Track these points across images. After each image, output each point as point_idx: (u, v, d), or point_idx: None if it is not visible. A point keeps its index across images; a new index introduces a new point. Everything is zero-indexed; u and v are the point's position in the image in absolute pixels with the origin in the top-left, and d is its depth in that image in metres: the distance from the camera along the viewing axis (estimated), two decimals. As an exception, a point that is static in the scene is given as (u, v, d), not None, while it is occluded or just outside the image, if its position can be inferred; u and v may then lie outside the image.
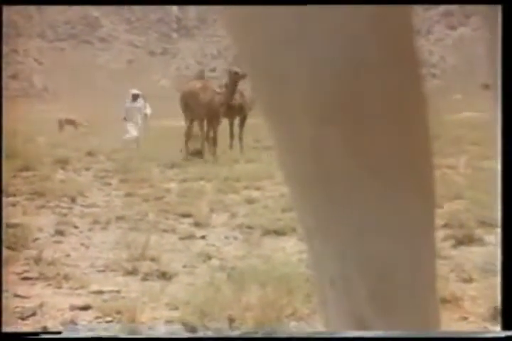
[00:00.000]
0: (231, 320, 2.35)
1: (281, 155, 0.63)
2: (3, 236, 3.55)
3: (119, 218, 4.66)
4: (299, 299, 2.52)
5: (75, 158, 9.82)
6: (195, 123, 9.81)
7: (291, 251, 3.60)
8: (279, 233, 4.03)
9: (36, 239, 3.91)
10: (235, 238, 4.07)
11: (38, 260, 3.29)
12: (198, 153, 9.25)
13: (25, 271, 3.16)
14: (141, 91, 13.46)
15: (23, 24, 60.11)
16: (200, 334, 2.30)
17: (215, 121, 9.43)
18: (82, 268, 3.32)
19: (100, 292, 2.86)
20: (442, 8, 55.23)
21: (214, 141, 9.34)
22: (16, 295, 2.80)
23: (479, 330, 2.23)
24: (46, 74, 56.57)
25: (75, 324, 2.48)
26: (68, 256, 3.56)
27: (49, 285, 2.98)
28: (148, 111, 13.27)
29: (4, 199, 5.30)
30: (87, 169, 8.65)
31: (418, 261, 0.63)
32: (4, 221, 3.90)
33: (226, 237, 4.10)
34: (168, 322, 2.47)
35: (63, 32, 63.99)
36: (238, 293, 2.55)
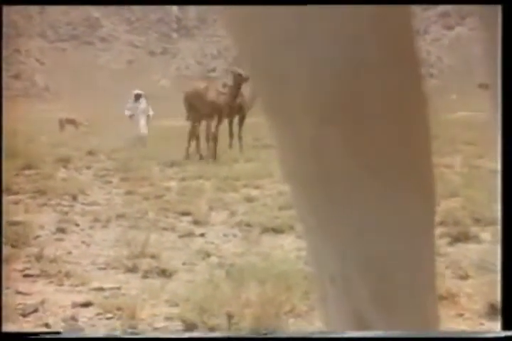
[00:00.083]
0: (230, 317, 2.36)
1: (282, 155, 0.63)
2: (5, 234, 3.57)
3: (120, 216, 4.69)
4: (297, 296, 2.53)
5: (76, 157, 9.85)
6: (197, 123, 9.89)
7: (289, 248, 3.62)
8: (277, 231, 4.06)
9: (38, 236, 3.93)
10: (234, 235, 4.10)
11: (39, 257, 3.31)
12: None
13: (27, 268, 3.18)
14: (141, 91, 13.51)
15: (25, 25, 60.10)
16: (200, 334, 2.32)
17: (218, 121, 9.49)
18: (83, 265, 3.34)
19: (101, 289, 2.87)
20: (439, 8, 55.17)
21: (215, 140, 9.40)
22: (18, 292, 2.81)
23: (479, 330, 2.24)
24: (48, 74, 56.57)
25: (76, 320, 2.50)
26: (69, 253, 3.58)
27: (50, 282, 2.99)
28: (151, 111, 13.32)
29: (7, 198, 5.33)
30: (88, 168, 8.68)
31: (418, 260, 0.63)
32: (7, 219, 3.93)
33: (225, 235, 4.12)
34: (168, 318, 2.49)
35: (65, 33, 63.98)
36: (237, 290, 2.57)
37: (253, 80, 0.61)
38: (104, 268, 3.28)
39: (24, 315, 2.52)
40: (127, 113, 13.23)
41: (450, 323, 2.32)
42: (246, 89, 9.36)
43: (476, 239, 3.63)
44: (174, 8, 66.35)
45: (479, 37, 0.68)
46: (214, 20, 61.43)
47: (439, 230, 3.67)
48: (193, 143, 9.83)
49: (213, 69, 57.32)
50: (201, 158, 9.53)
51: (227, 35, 0.61)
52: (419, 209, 0.62)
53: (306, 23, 0.54)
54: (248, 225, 4.27)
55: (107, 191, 6.35)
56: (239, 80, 9.08)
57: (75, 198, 5.64)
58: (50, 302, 2.67)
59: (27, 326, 2.42)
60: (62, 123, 19.72)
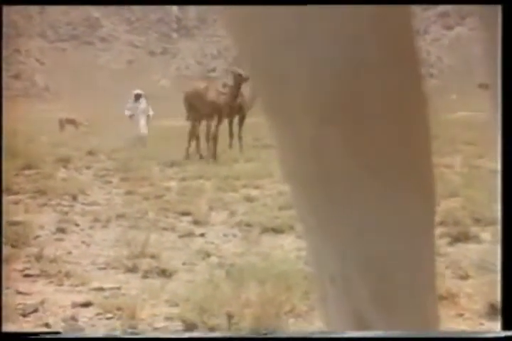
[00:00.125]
0: (230, 317, 2.37)
1: (282, 155, 0.63)
2: (5, 234, 3.58)
3: (120, 216, 4.69)
4: (297, 296, 2.53)
5: (76, 157, 9.85)
6: (197, 123, 9.90)
7: (289, 248, 3.63)
8: (277, 231, 4.07)
9: (38, 236, 3.94)
10: (234, 235, 4.10)
11: (39, 257, 3.31)
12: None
13: (27, 268, 3.18)
14: (141, 91, 13.54)
15: (25, 25, 60.16)
16: (200, 334, 2.32)
17: (218, 121, 9.51)
18: (83, 265, 3.34)
19: (101, 289, 2.88)
20: (439, 8, 55.24)
21: (215, 140, 9.42)
22: (18, 292, 2.81)
23: (479, 330, 2.24)
24: (48, 74, 56.63)
25: (76, 320, 2.50)
26: (69, 253, 3.59)
27: (50, 282, 3.00)
28: (151, 111, 13.34)
29: (7, 198, 5.34)
30: (88, 168, 8.69)
31: (418, 260, 0.63)
32: (7, 218, 3.93)
33: (225, 235, 4.13)
34: (168, 318, 2.50)
35: (65, 33, 64.04)
36: (237, 290, 2.57)
37: (253, 80, 0.61)
38: (104, 268, 3.29)
39: (24, 315, 2.53)
40: (127, 113, 13.25)
41: (450, 323, 2.32)
42: (246, 89, 9.37)
43: (476, 239, 3.63)
44: (174, 8, 66.40)
45: (479, 37, 0.68)
46: (214, 20, 61.47)
47: (439, 230, 3.67)
48: (193, 143, 9.84)
49: (213, 70, 57.37)
50: (201, 157, 9.54)
51: (227, 35, 0.61)
52: (419, 209, 0.62)
53: (306, 23, 0.54)
54: (248, 225, 4.27)
55: (107, 191, 6.36)
56: (239, 80, 9.10)
57: (75, 198, 5.65)
58: (50, 302, 2.67)
59: (27, 326, 2.43)
60: (62, 123, 19.73)
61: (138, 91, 13.41)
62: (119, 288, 2.90)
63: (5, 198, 5.18)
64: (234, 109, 9.50)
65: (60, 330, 2.36)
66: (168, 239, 3.98)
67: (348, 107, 0.56)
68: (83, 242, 3.91)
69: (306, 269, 2.77)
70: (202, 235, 4.12)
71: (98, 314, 2.55)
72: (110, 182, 7.08)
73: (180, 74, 59.62)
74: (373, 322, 0.62)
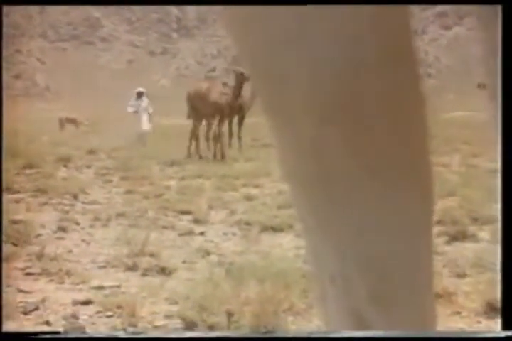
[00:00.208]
0: (229, 315, 2.38)
1: (282, 155, 0.63)
2: (7, 233, 3.59)
3: (120, 215, 4.71)
4: (295, 294, 2.55)
5: (77, 156, 9.87)
6: (199, 123, 9.93)
7: (288, 246, 3.65)
8: (276, 229, 4.09)
9: (39, 235, 3.96)
10: (234, 234, 4.12)
11: (40, 256, 3.33)
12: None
13: (28, 267, 3.20)
14: (143, 89, 13.59)
15: (26, 25, 60.17)
16: (201, 333, 2.32)
17: (220, 121, 9.52)
18: (83, 263, 3.36)
19: (101, 287, 2.89)
20: (437, 8, 55.26)
21: (218, 140, 9.44)
22: (19, 290, 2.83)
23: (479, 330, 2.25)
24: (48, 74, 56.61)
25: (77, 318, 2.51)
26: (70, 252, 3.60)
27: (51, 280, 3.01)
28: (150, 109, 13.38)
29: (8, 196, 5.36)
30: (89, 167, 8.71)
31: (417, 260, 0.63)
32: (8, 217, 3.95)
33: (225, 233, 4.15)
34: (168, 316, 2.51)
35: (65, 33, 64.05)
36: (236, 288, 2.58)
37: (253, 80, 0.61)
38: (105, 267, 3.31)
39: (25, 313, 2.54)
40: (130, 109, 13.29)
41: (447, 321, 2.34)
42: (245, 89, 9.37)
43: (473, 237, 3.66)
44: (174, 9, 66.41)
45: (477, 37, 0.69)
46: (214, 21, 61.47)
47: (436, 229, 3.69)
48: (195, 143, 9.86)
49: (213, 69, 57.36)
50: (200, 157, 9.55)
51: (227, 35, 0.61)
52: (418, 209, 0.62)
53: (306, 23, 0.54)
54: (247, 224, 4.29)
55: (107, 190, 6.38)
56: (241, 79, 9.09)
57: (75, 197, 5.67)
58: (51, 301, 2.69)
59: (28, 324, 2.44)
60: (63, 122, 19.73)
61: (140, 89, 13.50)
62: (119, 286, 2.91)
63: (6, 197, 5.20)
64: (234, 108, 9.51)
65: (61, 328, 2.37)
66: (168, 238, 4.00)
67: (348, 107, 0.56)
68: (84, 241, 3.93)
69: (304, 267, 2.79)
70: (202, 234, 4.14)
71: (98, 312, 2.57)
72: (110, 181, 7.10)
73: (180, 74, 59.62)
74: (372, 321, 0.62)
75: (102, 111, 29.16)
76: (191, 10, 65.71)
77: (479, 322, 2.40)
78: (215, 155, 9.33)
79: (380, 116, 0.57)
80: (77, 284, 2.95)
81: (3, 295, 2.46)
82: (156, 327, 2.43)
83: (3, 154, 5.25)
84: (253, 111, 9.24)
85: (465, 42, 49.77)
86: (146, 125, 13.07)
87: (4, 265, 3.05)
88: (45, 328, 2.39)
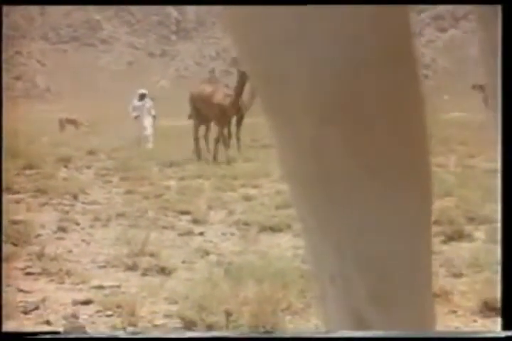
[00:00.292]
0: (228, 314, 2.39)
1: (282, 155, 0.63)
2: (7, 233, 3.61)
3: (120, 215, 4.72)
4: (293, 294, 2.56)
5: (77, 156, 9.88)
6: (202, 125, 9.95)
7: (286, 246, 3.66)
8: (274, 229, 4.10)
9: (39, 235, 3.97)
10: (232, 234, 4.13)
11: (40, 256, 3.34)
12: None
13: (28, 267, 3.21)
14: (145, 90, 13.56)
15: (27, 27, 60.22)
16: (201, 333, 2.33)
17: (223, 122, 9.52)
18: (83, 263, 3.37)
19: (101, 287, 2.90)
20: (433, 11, 55.42)
21: (219, 141, 9.45)
22: (19, 290, 2.84)
23: (479, 330, 2.26)
24: (49, 76, 56.67)
25: (77, 318, 2.53)
26: (70, 252, 3.62)
27: (51, 280, 3.02)
28: (153, 112, 13.35)
29: (8, 197, 5.37)
30: (89, 167, 8.73)
31: (417, 260, 0.63)
32: (8, 217, 3.96)
33: (223, 234, 4.16)
34: (167, 316, 2.52)
35: (66, 34, 64.11)
36: (235, 288, 2.59)
37: (253, 80, 0.61)
38: (104, 267, 3.32)
39: (25, 313, 2.55)
40: (133, 114, 13.15)
41: (444, 320, 2.35)
42: (245, 89, 9.38)
43: (469, 237, 3.67)
44: (174, 11, 66.41)
45: (476, 38, 0.69)
46: (212, 23, 61.56)
47: (433, 229, 3.68)
48: (201, 144, 9.88)
49: (212, 71, 57.40)
50: (199, 158, 9.55)
51: (227, 35, 0.61)
52: (417, 209, 0.62)
53: (306, 23, 0.54)
54: (246, 224, 4.31)
55: (107, 190, 6.39)
56: (244, 78, 9.09)
57: (75, 197, 5.68)
58: (51, 300, 2.70)
59: (28, 323, 2.45)
60: (63, 123, 19.75)
61: (142, 90, 13.44)
62: (119, 286, 2.92)
63: (6, 197, 5.21)
64: (237, 108, 9.52)
65: (61, 328, 2.38)
66: (168, 238, 4.01)
67: (348, 107, 0.56)
68: (84, 241, 3.95)
69: (302, 267, 2.81)
70: (201, 234, 4.15)
71: (98, 311, 2.57)
72: (110, 181, 7.11)
73: (179, 75, 59.68)
74: (372, 321, 0.62)
75: (102, 112, 29.17)
76: (190, 12, 65.77)
77: (475, 321, 2.41)
78: (214, 157, 9.33)
79: (380, 116, 0.57)
80: (77, 284, 2.96)
81: (3, 295, 2.47)
82: (155, 326, 2.44)
83: (4, 155, 5.28)
84: (252, 112, 9.26)
85: (461, 44, 49.88)
86: (149, 130, 12.92)
87: (4, 265, 3.06)
88: (46, 328, 2.40)
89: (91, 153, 10.78)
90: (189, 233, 4.15)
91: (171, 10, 65.79)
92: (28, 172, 7.41)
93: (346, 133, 0.57)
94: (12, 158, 7.27)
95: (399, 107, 0.58)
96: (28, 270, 3.17)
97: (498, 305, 1.79)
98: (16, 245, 3.57)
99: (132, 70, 60.76)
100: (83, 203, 5.48)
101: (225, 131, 9.52)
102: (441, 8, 55.14)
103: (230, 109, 9.34)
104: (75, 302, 2.67)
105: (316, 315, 2.37)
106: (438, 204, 4.34)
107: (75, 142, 13.13)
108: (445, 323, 2.33)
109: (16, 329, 2.35)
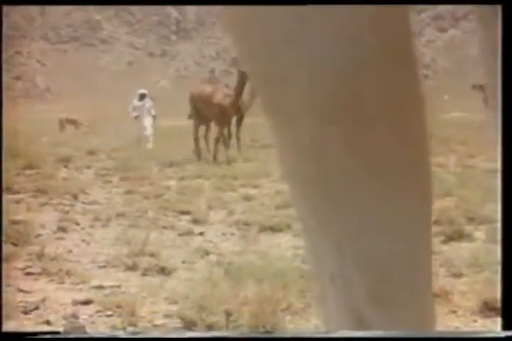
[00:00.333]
0: (228, 314, 2.39)
1: (282, 155, 0.63)
2: (7, 233, 3.61)
3: (120, 215, 4.73)
4: (293, 294, 2.56)
5: (77, 156, 9.89)
6: (202, 124, 9.96)
7: (286, 246, 3.66)
8: (274, 229, 4.10)
9: (39, 235, 3.97)
10: (232, 234, 4.14)
11: (40, 256, 3.34)
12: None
13: (28, 267, 3.21)
14: (145, 90, 13.57)
15: (27, 27, 60.28)
16: (201, 333, 2.33)
17: (223, 122, 9.53)
18: (83, 263, 3.37)
19: (101, 287, 2.90)
20: (433, 11, 55.50)
21: (219, 141, 9.45)
22: (19, 290, 2.84)
23: (479, 330, 2.26)
24: (49, 76, 56.72)
25: (77, 318, 2.53)
26: (70, 252, 3.62)
27: (51, 280, 3.02)
28: (153, 112, 13.35)
29: (8, 197, 5.38)
30: (89, 167, 8.73)
31: (417, 260, 0.63)
32: (8, 217, 3.97)
33: (223, 234, 4.16)
34: (167, 316, 2.53)
35: (66, 34, 64.17)
36: (235, 288, 2.59)
37: (253, 80, 0.61)
38: (104, 267, 3.32)
39: (25, 313, 2.55)
40: (133, 114, 13.16)
41: (444, 320, 2.36)
42: (244, 89, 9.39)
43: (469, 237, 3.67)
44: (174, 11, 66.47)
45: (476, 38, 0.69)
46: (212, 23, 61.64)
47: (433, 229, 3.68)
48: (201, 144, 9.89)
49: (212, 71, 57.45)
50: (199, 158, 9.56)
51: (227, 35, 0.61)
52: (417, 209, 0.62)
53: (306, 23, 0.54)
54: (246, 224, 4.31)
55: (107, 190, 6.40)
56: (244, 78, 9.10)
57: (75, 197, 5.69)
58: (51, 300, 2.70)
59: (28, 323, 2.45)
60: (63, 123, 19.76)
61: (142, 90, 13.44)
62: (119, 286, 2.92)
63: (6, 197, 5.22)
64: (237, 108, 9.53)
65: (61, 328, 2.38)
66: (168, 238, 4.01)
67: (348, 107, 0.56)
68: (84, 241, 3.95)
69: (302, 267, 2.81)
70: (201, 234, 4.15)
71: (98, 311, 2.57)
72: (110, 181, 7.12)
73: (179, 75, 59.73)
74: (372, 321, 0.62)
75: (102, 112, 29.18)
76: (190, 12, 65.84)
77: (475, 321, 2.41)
78: (214, 157, 9.33)
79: (380, 116, 0.57)
80: (77, 284, 2.96)
81: (3, 295, 2.47)
82: (155, 326, 2.44)
83: (4, 155, 5.29)
84: (252, 112, 9.26)
85: (461, 44, 49.95)
86: (149, 130, 12.94)
87: (4, 265, 3.06)
88: (46, 328, 2.40)
89: (91, 153, 10.79)
90: (189, 233, 4.15)
91: (171, 10, 65.83)
92: (28, 172, 7.41)
93: (346, 133, 0.57)
94: (12, 158, 7.27)
95: (399, 107, 0.58)
96: (28, 270, 3.17)
97: (498, 305, 1.80)
98: (15, 245, 3.57)
99: (132, 70, 60.81)
100: (83, 203, 5.48)
101: (225, 131, 9.52)
102: (441, 8, 55.28)
103: (230, 109, 9.35)
104: (75, 302, 2.67)
105: (316, 315, 2.37)
106: (438, 204, 4.35)
107: (75, 142, 13.13)
108: (445, 323, 2.33)
109: (16, 329, 2.35)
